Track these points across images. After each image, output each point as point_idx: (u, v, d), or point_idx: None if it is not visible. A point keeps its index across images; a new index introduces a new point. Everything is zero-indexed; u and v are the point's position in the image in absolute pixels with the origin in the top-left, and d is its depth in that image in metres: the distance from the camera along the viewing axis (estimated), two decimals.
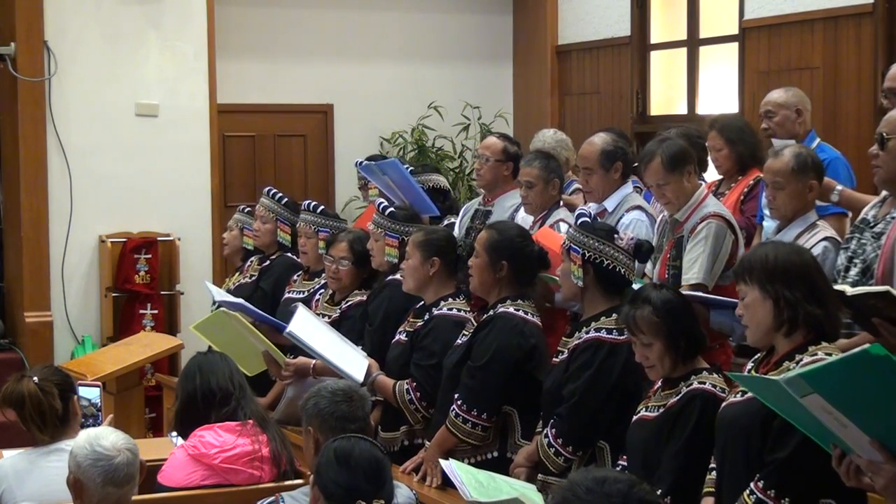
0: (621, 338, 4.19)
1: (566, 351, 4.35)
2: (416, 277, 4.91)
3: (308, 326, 5.12)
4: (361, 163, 6.80)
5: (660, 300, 3.89)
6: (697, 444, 3.73)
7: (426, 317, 4.91)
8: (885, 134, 4.07)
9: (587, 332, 4.29)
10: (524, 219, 5.71)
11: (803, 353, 3.38)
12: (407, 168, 6.50)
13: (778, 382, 2.80)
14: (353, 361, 5.00)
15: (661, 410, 3.88)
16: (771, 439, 3.35)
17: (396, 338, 5.05)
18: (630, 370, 4.19)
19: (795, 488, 3.31)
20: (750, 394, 3.43)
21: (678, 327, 3.87)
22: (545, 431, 4.33)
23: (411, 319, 4.99)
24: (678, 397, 3.83)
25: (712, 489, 3.63)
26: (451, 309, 4.86)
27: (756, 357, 3.61)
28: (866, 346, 2.59)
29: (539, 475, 4.33)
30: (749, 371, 3.57)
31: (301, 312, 5.20)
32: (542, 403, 4.46)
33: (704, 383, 3.83)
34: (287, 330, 5.02)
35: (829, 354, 3.34)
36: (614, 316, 4.23)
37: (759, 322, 3.46)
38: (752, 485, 3.37)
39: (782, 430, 3.28)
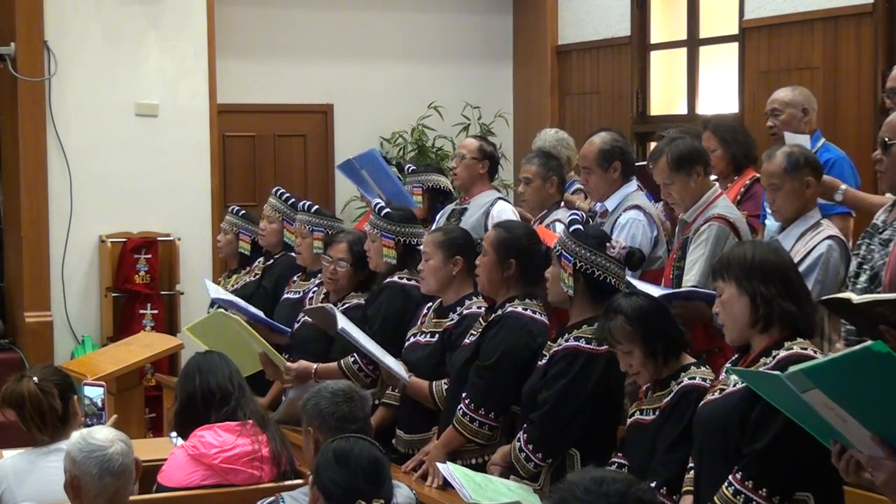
0: (600, 348, 4.19)
1: (547, 356, 4.35)
2: (439, 278, 4.88)
3: (350, 325, 5.11)
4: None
5: (630, 308, 3.93)
6: (690, 436, 3.74)
7: (453, 316, 4.88)
8: (887, 139, 4.05)
9: (567, 340, 4.29)
10: (500, 213, 5.72)
11: (779, 349, 3.44)
12: (408, 167, 6.51)
13: (779, 377, 2.81)
14: (392, 361, 5.00)
15: (656, 413, 3.89)
16: (748, 431, 3.39)
17: (413, 339, 5.01)
18: (608, 380, 4.20)
19: (773, 479, 3.34)
20: (728, 390, 3.49)
21: (653, 331, 3.90)
22: (518, 436, 4.33)
23: (435, 320, 4.96)
24: (671, 396, 3.86)
25: (691, 488, 3.66)
26: (479, 307, 4.84)
27: (733, 358, 3.65)
28: (868, 343, 2.59)
29: (512, 476, 4.32)
30: (727, 370, 3.60)
31: (339, 313, 5.18)
32: (521, 406, 4.46)
33: (695, 378, 3.86)
34: (339, 328, 4.99)
35: (805, 349, 3.42)
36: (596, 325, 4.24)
37: (736, 318, 3.52)
38: (730, 477, 3.40)
39: (759, 421, 3.33)
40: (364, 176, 6.40)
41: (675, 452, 3.78)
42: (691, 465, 3.68)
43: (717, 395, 3.55)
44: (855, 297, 3.52)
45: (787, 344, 3.44)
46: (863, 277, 4.12)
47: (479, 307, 4.85)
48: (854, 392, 2.69)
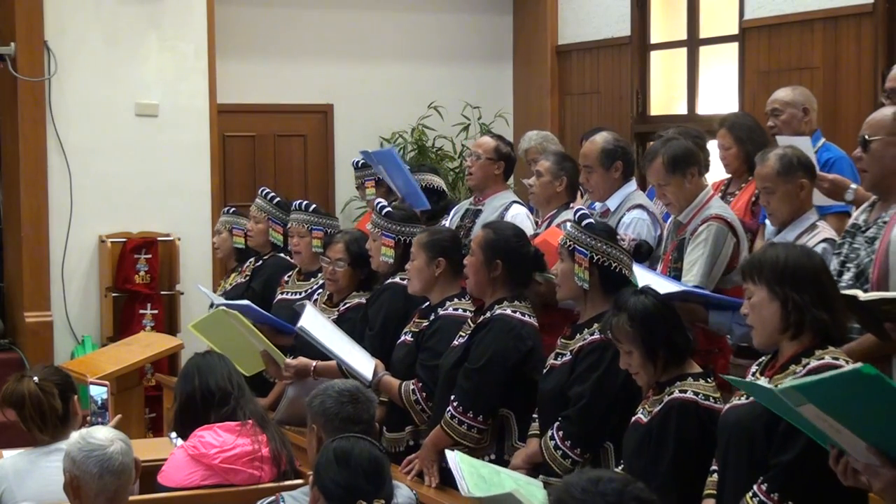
0: None
1: (568, 353, 4.33)
2: (422, 278, 4.89)
3: (317, 324, 5.12)
4: (358, 162, 6.81)
5: (635, 308, 3.87)
6: (685, 455, 3.71)
7: (432, 317, 4.89)
8: (867, 136, 4.02)
9: (591, 334, 4.28)
10: (515, 217, 5.71)
11: (810, 357, 3.37)
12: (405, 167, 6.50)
13: (772, 392, 2.83)
14: (361, 360, 5.00)
15: (650, 416, 3.86)
16: (776, 442, 3.33)
17: (401, 339, 5.03)
18: None
19: (799, 492, 3.29)
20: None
21: (654, 337, 3.84)
22: (551, 434, 4.29)
23: (416, 320, 4.97)
24: (660, 406, 3.81)
25: (713, 491, 3.61)
26: (456, 309, 4.85)
27: (760, 360, 3.59)
28: (858, 365, 2.60)
29: (541, 476, 4.31)
30: (753, 373, 3.56)
31: (309, 310, 5.19)
32: (540, 405, 4.44)
33: (686, 391, 3.79)
34: (298, 325, 5.01)
35: (837, 359, 3.34)
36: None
37: (766, 323, 3.44)
38: (755, 487, 3.35)
39: (787, 433, 3.25)
40: (382, 171, 6.40)
41: (670, 474, 3.73)
42: (714, 467, 3.63)
43: (742, 399, 3.48)
44: (862, 294, 3.50)
45: (818, 353, 3.36)
46: (847, 276, 4.08)
47: (455, 309, 4.85)
48: (846, 408, 2.70)
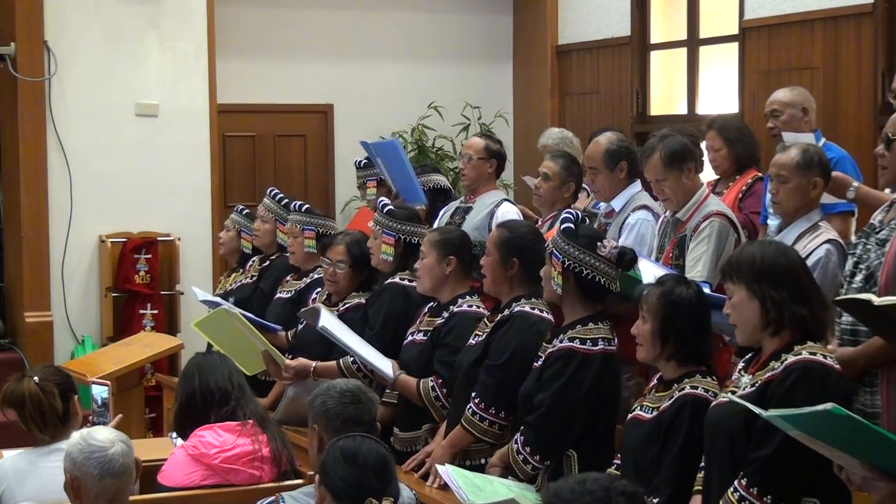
0: (595, 349, 4.20)
1: (543, 357, 4.34)
2: (433, 277, 4.90)
3: (335, 323, 5.13)
4: (360, 162, 6.82)
5: (670, 291, 3.86)
6: (691, 451, 3.72)
7: (445, 315, 4.90)
8: (890, 135, 4.03)
9: (561, 341, 4.28)
10: (505, 215, 5.73)
11: (788, 353, 3.42)
12: None
13: (762, 415, 2.92)
14: (379, 359, 5.01)
15: (654, 413, 3.86)
16: (754, 438, 3.38)
17: (409, 338, 5.03)
18: (603, 380, 4.20)
19: (778, 486, 3.34)
20: (738, 393, 3.47)
21: (671, 323, 3.83)
22: (516, 437, 4.33)
23: (429, 318, 4.98)
24: (671, 402, 3.81)
25: (701, 487, 3.65)
26: (470, 306, 4.87)
27: (746, 357, 3.64)
28: (829, 406, 2.65)
29: (510, 477, 4.32)
30: (740, 370, 3.62)
31: (325, 311, 5.20)
32: (517, 408, 4.46)
33: (696, 388, 3.80)
34: (319, 325, 5.02)
35: (813, 354, 3.40)
36: (590, 325, 4.25)
37: (746, 321, 3.52)
38: (735, 482, 3.40)
39: (765, 428, 3.31)
40: (379, 163, 6.40)
41: (675, 469, 3.74)
42: (703, 464, 3.66)
43: (728, 396, 3.52)
44: (875, 299, 3.50)
45: (796, 348, 3.42)
46: (858, 277, 4.07)
47: (469, 306, 4.87)
48: (831, 435, 2.76)
